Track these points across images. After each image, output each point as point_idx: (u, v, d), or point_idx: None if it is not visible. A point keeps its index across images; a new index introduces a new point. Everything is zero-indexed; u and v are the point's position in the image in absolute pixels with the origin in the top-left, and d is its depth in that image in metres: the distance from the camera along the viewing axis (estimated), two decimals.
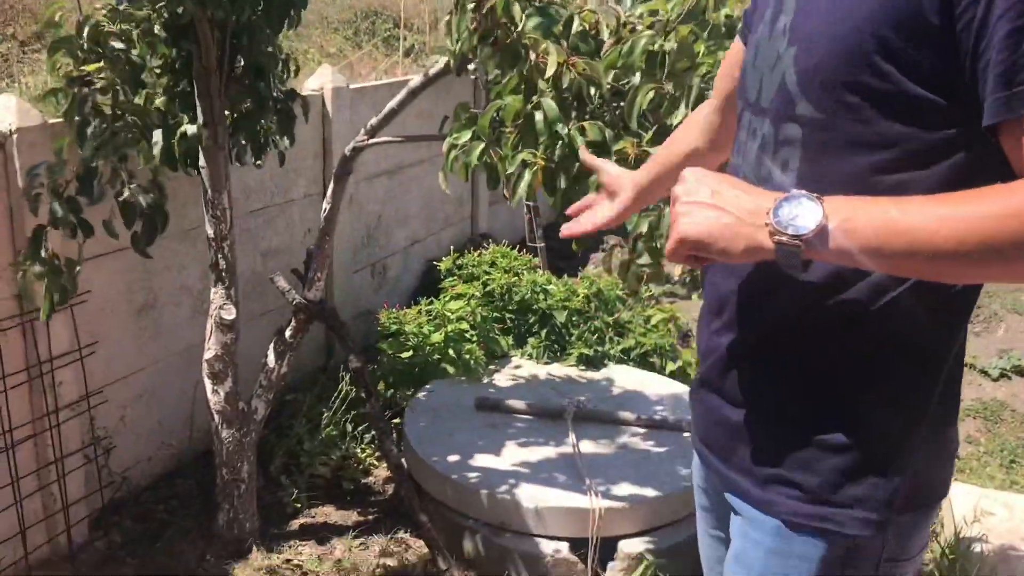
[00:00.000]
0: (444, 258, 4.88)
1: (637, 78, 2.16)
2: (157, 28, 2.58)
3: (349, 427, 3.66)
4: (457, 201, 5.85)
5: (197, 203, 3.13)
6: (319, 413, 3.65)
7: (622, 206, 1.52)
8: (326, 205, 3.01)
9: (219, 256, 2.83)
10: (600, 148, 2.18)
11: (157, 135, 2.67)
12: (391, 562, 3.07)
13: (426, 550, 3.06)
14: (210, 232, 2.82)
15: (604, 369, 4.15)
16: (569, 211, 1.63)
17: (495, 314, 4.35)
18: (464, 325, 4.06)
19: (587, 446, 3.36)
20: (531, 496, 3.02)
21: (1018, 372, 4.94)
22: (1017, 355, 4.94)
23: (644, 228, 2.17)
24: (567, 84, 2.14)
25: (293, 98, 2.96)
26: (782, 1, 1.18)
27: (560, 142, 2.15)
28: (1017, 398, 4.68)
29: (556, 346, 4.29)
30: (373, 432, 3.46)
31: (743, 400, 1.25)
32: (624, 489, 3.07)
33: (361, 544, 3.18)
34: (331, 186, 2.99)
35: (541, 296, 4.38)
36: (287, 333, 3.05)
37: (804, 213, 0.97)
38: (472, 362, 3.97)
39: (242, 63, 2.80)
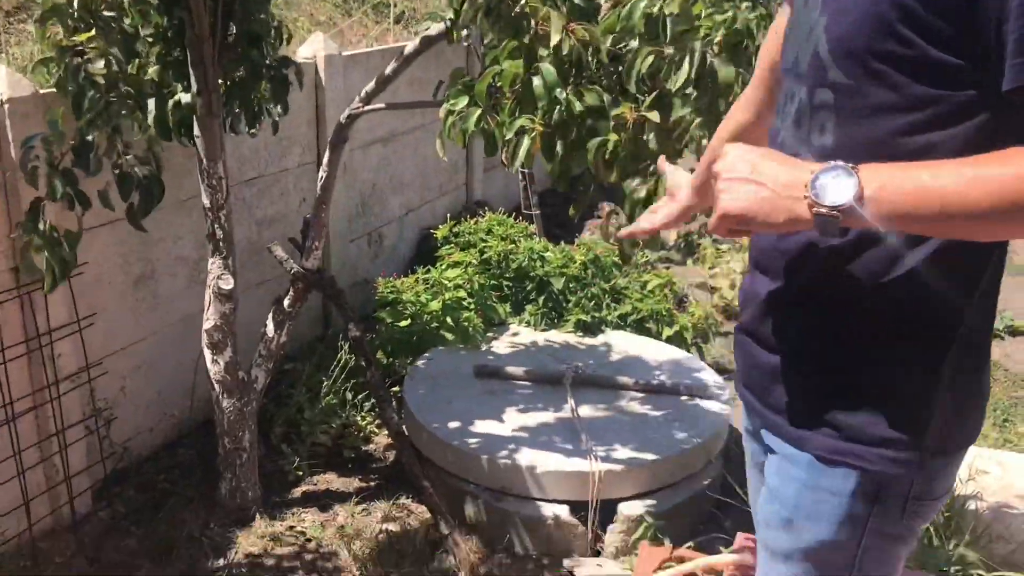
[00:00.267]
0: (440, 226, 4.87)
1: (636, 42, 2.15)
2: None
3: (349, 395, 3.67)
4: (452, 169, 5.83)
5: (192, 173, 3.12)
6: (318, 382, 3.66)
7: (680, 205, 1.57)
8: (322, 173, 3.00)
9: (215, 226, 2.82)
10: (598, 113, 2.17)
11: (151, 105, 2.65)
12: (393, 527, 3.10)
13: (428, 515, 3.08)
14: (206, 202, 2.81)
15: (601, 335, 4.16)
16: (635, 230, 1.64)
17: (492, 282, 4.36)
18: (462, 293, 4.07)
19: (586, 411, 3.38)
20: (531, 460, 3.05)
21: (1011, 332, 4.98)
22: (1010, 315, 4.97)
23: (642, 194, 2.17)
24: (567, 51, 2.13)
25: (287, 65, 2.94)
26: None
27: (558, 107, 2.14)
28: (1010, 358, 4.72)
29: (553, 313, 4.30)
30: (373, 400, 3.47)
31: (779, 346, 1.31)
32: (623, 452, 3.10)
33: (363, 510, 3.21)
34: (327, 154, 2.98)
35: (538, 263, 4.38)
36: (285, 302, 3.05)
37: (840, 184, 1.02)
38: (470, 330, 3.98)
39: (235, 30, 2.77)
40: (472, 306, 4.08)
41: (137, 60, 2.67)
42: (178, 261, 3.47)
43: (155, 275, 3.36)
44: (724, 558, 2.66)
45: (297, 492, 3.32)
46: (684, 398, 3.52)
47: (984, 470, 2.95)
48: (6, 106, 2.62)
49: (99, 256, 3.08)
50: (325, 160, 3.01)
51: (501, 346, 4.00)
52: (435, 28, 2.78)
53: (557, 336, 4.13)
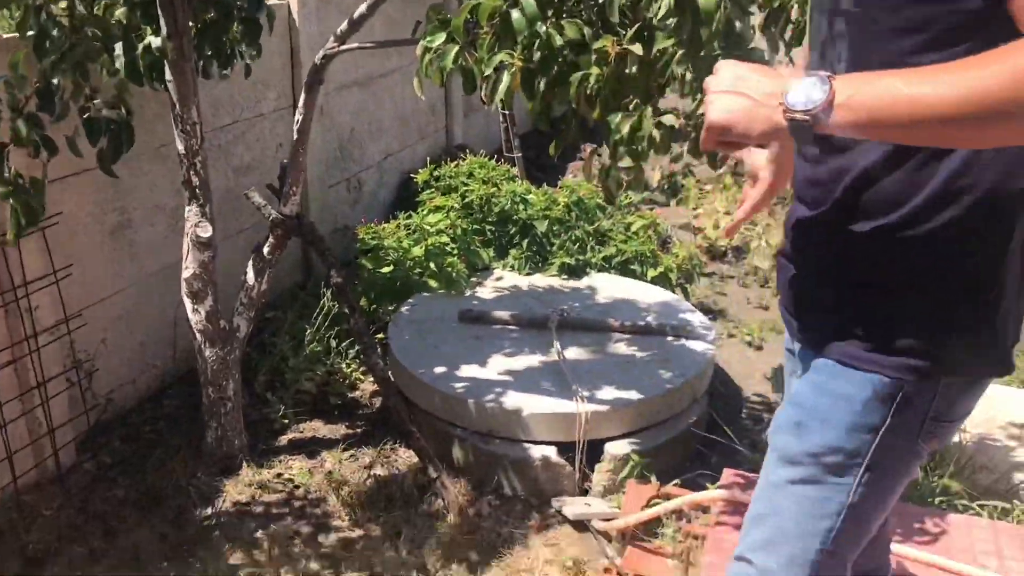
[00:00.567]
0: (420, 170, 4.81)
1: None
2: None
3: (333, 343, 3.65)
4: (431, 112, 5.75)
5: (165, 119, 3.05)
6: (302, 330, 3.63)
7: (763, 185, 1.58)
8: (298, 116, 2.93)
9: (191, 173, 2.77)
10: (580, 47, 2.12)
11: (119, 48, 2.57)
12: (381, 472, 3.10)
13: (416, 460, 3.09)
14: (180, 148, 2.74)
15: (586, 278, 4.15)
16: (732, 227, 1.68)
17: (475, 226, 4.32)
18: (444, 238, 4.03)
19: (572, 353, 3.37)
20: (518, 403, 3.04)
21: None
22: None
23: (625, 129, 2.13)
24: None
25: (258, 6, 2.85)
26: None
27: (538, 41, 2.08)
28: None
29: (538, 256, 4.27)
30: (357, 347, 3.45)
31: (811, 267, 1.36)
32: (609, 393, 3.10)
33: (351, 456, 3.21)
34: (302, 96, 2.91)
35: (521, 206, 4.34)
36: (265, 250, 3.01)
37: (812, 91, 1.06)
38: (454, 275, 3.95)
39: None
40: (455, 251, 4.05)
41: (103, 1, 2.58)
42: (155, 210, 3.41)
43: (132, 224, 3.31)
44: (711, 494, 2.68)
45: (283, 440, 3.31)
46: (669, 338, 3.52)
47: None
48: None
49: (73, 206, 3.02)
50: (301, 102, 2.94)
51: (485, 291, 3.97)
52: None
53: (542, 280, 4.11)
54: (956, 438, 2.81)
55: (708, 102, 1.15)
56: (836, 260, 1.33)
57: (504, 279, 4.11)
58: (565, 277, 4.13)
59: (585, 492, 3.03)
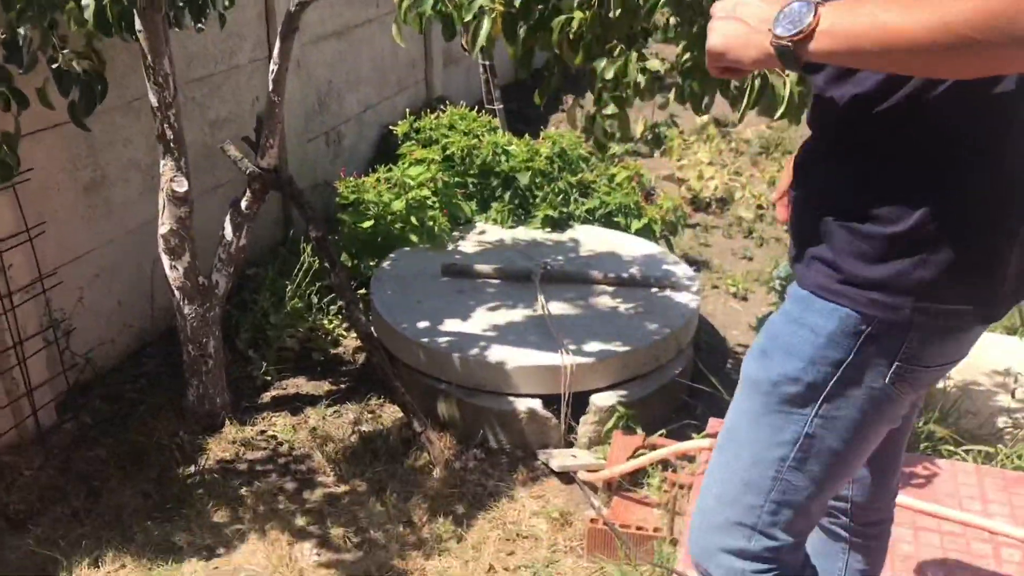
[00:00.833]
0: (400, 122, 4.74)
1: None
2: None
3: (315, 299, 3.61)
4: (410, 63, 5.65)
5: (138, 72, 2.96)
6: (282, 286, 3.59)
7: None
8: (273, 66, 2.86)
9: (165, 126, 2.70)
10: None
11: None
12: (366, 428, 3.09)
13: (400, 415, 3.07)
14: (153, 101, 2.67)
15: (570, 230, 4.11)
16: (774, 198, 1.67)
17: (457, 179, 4.26)
18: (425, 192, 3.97)
19: (556, 306, 3.35)
20: (503, 356, 3.03)
21: None
22: None
23: (610, 75, 2.08)
24: None
25: None
26: None
27: None
28: None
29: (521, 209, 4.23)
30: (340, 303, 3.41)
31: (802, 193, 1.36)
32: (594, 345, 3.08)
33: (335, 413, 3.19)
34: (277, 45, 2.84)
35: (503, 158, 4.28)
36: (243, 204, 2.95)
37: (799, 18, 1.07)
38: (436, 229, 3.91)
39: None
40: (437, 205, 3.99)
41: None
42: (130, 165, 3.33)
43: (106, 181, 3.24)
44: (696, 444, 2.68)
45: (266, 397, 3.29)
46: (654, 290, 3.50)
47: None
48: None
49: (45, 162, 2.95)
50: (276, 52, 2.86)
51: (468, 245, 3.93)
52: None
53: (525, 233, 4.07)
54: (940, 384, 2.82)
55: (710, 27, 1.17)
56: (820, 188, 1.31)
57: (487, 232, 4.07)
58: (548, 230, 4.09)
59: (571, 444, 3.03)
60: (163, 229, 2.80)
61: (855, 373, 1.28)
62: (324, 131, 4.65)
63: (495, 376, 3.02)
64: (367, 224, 3.86)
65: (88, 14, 2.47)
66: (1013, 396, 2.85)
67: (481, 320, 3.28)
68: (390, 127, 4.94)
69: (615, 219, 4.24)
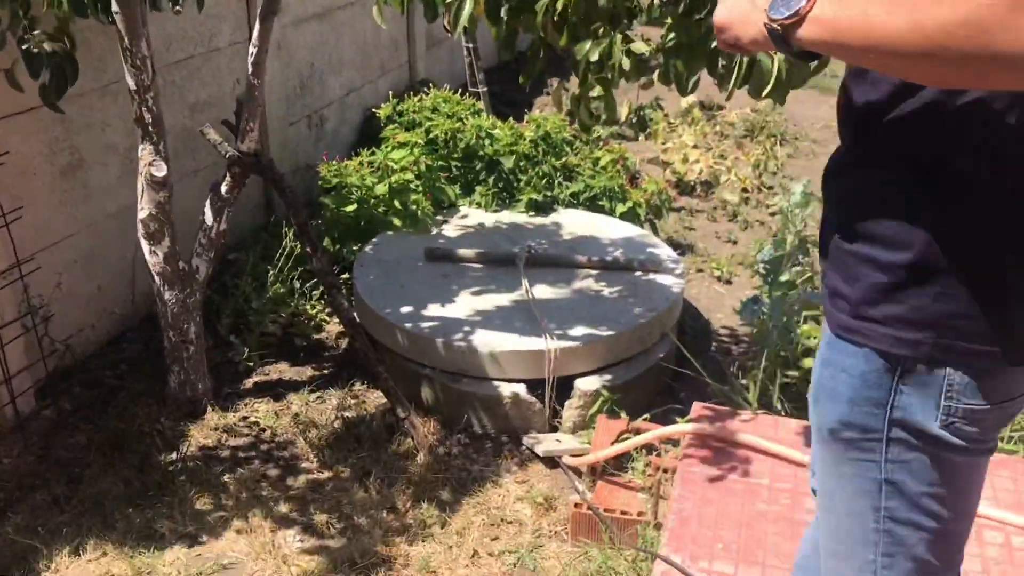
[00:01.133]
0: (383, 105, 4.69)
1: None
2: None
3: (297, 284, 3.58)
4: (393, 46, 5.60)
5: (115, 55, 2.92)
6: (264, 271, 3.56)
7: None
8: (252, 49, 2.82)
9: (143, 109, 2.66)
10: None
11: None
12: (349, 414, 3.07)
13: (384, 401, 3.05)
14: (131, 84, 2.63)
15: (554, 214, 4.10)
16: None
17: (440, 163, 4.23)
18: (409, 175, 3.94)
19: (540, 290, 3.34)
20: (487, 341, 3.01)
21: None
22: None
23: (595, 56, 2.06)
24: None
25: None
26: None
27: None
28: None
29: (505, 193, 4.20)
30: (322, 288, 3.39)
31: (825, 210, 1.28)
32: (578, 330, 3.07)
33: (318, 398, 3.17)
34: (256, 27, 2.80)
35: (487, 142, 4.25)
36: (223, 188, 2.92)
37: (792, 1, 1.02)
38: (419, 213, 3.88)
39: None
40: (420, 189, 3.97)
41: None
42: (108, 149, 3.29)
43: (84, 165, 3.19)
44: (680, 428, 2.68)
45: (249, 383, 3.26)
46: (638, 274, 3.49)
47: None
48: None
49: (21, 145, 2.90)
50: (255, 35, 2.82)
51: (452, 229, 3.91)
52: None
53: (509, 216, 4.05)
54: None
55: (720, 0, 1.15)
56: (836, 204, 1.23)
57: (471, 216, 4.04)
58: (532, 213, 4.07)
59: (555, 429, 3.02)
60: (142, 214, 2.76)
61: (904, 414, 1.18)
62: (306, 114, 4.60)
63: (479, 361, 3.00)
64: (350, 208, 3.83)
65: None
66: None
67: (465, 305, 3.26)
68: (373, 110, 4.90)
69: (599, 203, 4.22)
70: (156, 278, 2.85)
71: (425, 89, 5.00)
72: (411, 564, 2.45)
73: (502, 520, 2.63)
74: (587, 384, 3.00)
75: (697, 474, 2.48)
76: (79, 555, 2.43)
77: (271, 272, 3.53)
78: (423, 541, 2.53)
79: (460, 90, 4.97)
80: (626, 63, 2.10)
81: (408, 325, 3.12)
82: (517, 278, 3.39)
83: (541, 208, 4.10)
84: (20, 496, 2.64)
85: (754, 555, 2.21)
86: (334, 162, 4.05)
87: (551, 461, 2.87)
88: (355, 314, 3.16)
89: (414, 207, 3.88)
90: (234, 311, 3.45)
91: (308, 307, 3.59)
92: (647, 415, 2.91)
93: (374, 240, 3.77)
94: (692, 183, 5.20)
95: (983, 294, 1.12)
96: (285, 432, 2.99)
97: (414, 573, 2.43)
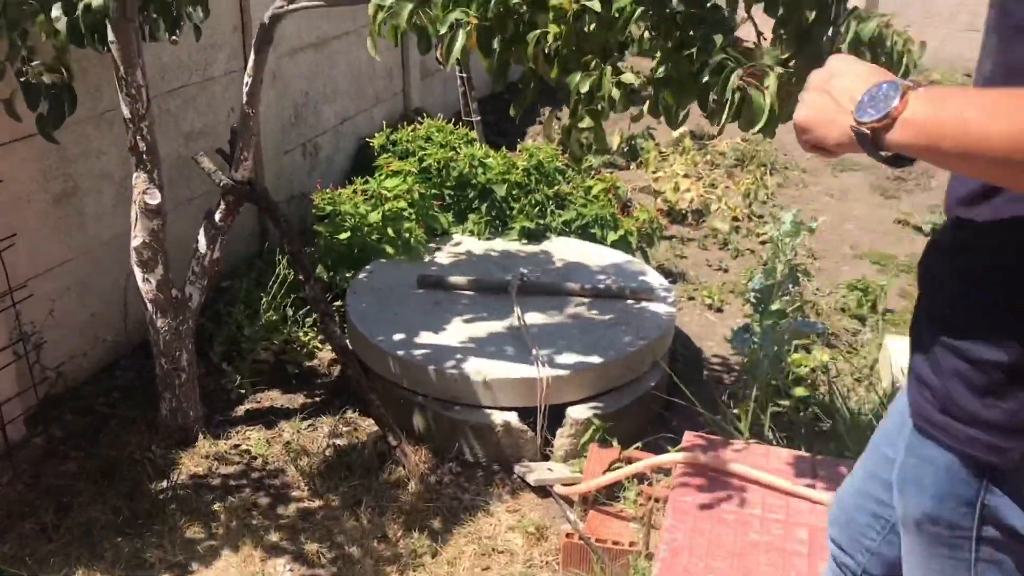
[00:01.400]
0: (377, 134, 4.73)
1: None
2: None
3: (290, 311, 3.59)
4: (387, 75, 5.65)
5: (111, 83, 2.94)
6: (257, 299, 3.57)
7: None
8: (247, 79, 2.85)
9: (138, 138, 2.68)
10: (536, 4, 2.07)
11: (56, 8, 2.46)
12: (340, 442, 3.06)
13: (375, 428, 3.05)
14: (126, 113, 2.65)
15: (546, 242, 4.12)
16: None
17: (433, 191, 4.25)
18: (402, 203, 3.96)
19: (532, 318, 3.35)
20: (479, 369, 3.02)
21: None
22: None
23: (585, 88, 2.09)
24: None
25: None
26: None
27: None
28: None
29: (497, 221, 4.22)
30: (315, 315, 3.39)
31: (921, 296, 1.22)
32: (570, 357, 3.08)
33: (309, 426, 3.17)
34: (251, 58, 2.83)
35: (480, 170, 4.28)
36: (217, 217, 2.93)
37: (883, 101, 0.96)
38: (412, 241, 3.90)
39: None
40: (413, 216, 3.99)
41: None
42: (102, 177, 3.31)
43: (78, 192, 3.21)
44: (671, 457, 2.68)
45: (240, 410, 3.26)
46: (630, 302, 3.51)
47: None
48: None
49: (15, 172, 2.91)
50: (250, 65, 2.85)
51: (444, 257, 3.93)
52: None
53: (502, 244, 4.07)
54: None
55: (800, 98, 1.07)
56: (929, 284, 1.18)
57: (463, 244, 4.06)
58: (525, 241, 4.09)
59: (547, 457, 3.02)
60: (135, 242, 2.77)
61: (996, 513, 1.11)
62: (301, 143, 4.63)
63: (471, 389, 3.01)
64: (343, 236, 3.85)
65: (60, 25, 2.46)
66: None
67: (457, 332, 3.27)
68: (367, 139, 4.93)
69: (591, 231, 4.24)
70: (149, 305, 2.85)
71: (419, 118, 5.04)
72: None
73: (493, 550, 2.62)
74: (579, 412, 3.00)
75: (689, 504, 2.48)
76: None
77: (264, 299, 3.54)
78: (414, 571, 2.52)
79: (454, 119, 5.01)
80: (615, 93, 2.13)
81: (400, 352, 3.12)
82: (509, 306, 3.41)
83: (533, 236, 4.12)
84: (8, 524, 2.62)
85: None
86: (328, 190, 4.07)
87: (543, 490, 2.87)
88: (347, 341, 3.17)
89: (407, 235, 3.89)
90: (227, 338, 3.45)
91: (301, 334, 3.59)
92: (639, 444, 2.91)
93: (367, 268, 3.78)
94: (683, 211, 5.23)
95: None
96: (276, 460, 2.98)
97: None
